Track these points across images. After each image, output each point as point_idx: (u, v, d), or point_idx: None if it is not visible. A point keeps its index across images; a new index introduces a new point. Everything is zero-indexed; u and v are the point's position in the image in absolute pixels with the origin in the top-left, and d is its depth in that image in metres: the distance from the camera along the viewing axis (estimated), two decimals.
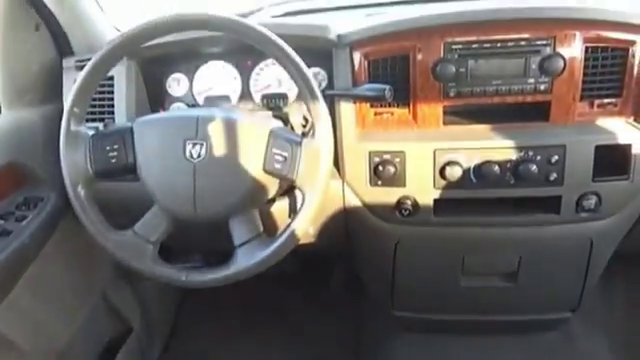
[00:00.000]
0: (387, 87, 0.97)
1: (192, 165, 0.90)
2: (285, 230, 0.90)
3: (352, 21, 1.14)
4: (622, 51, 1.02)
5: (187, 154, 0.90)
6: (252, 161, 0.90)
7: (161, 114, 1.01)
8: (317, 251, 1.40)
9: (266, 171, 0.90)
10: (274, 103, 1.18)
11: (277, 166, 0.89)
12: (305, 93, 0.89)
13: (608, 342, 1.44)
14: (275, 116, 1.11)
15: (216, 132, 0.90)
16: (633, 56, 1.01)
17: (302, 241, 1.24)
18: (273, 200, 1.09)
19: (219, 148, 0.90)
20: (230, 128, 0.90)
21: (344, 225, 1.17)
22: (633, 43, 1.01)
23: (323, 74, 1.16)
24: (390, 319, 1.35)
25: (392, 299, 1.26)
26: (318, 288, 1.68)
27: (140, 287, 1.56)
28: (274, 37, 0.88)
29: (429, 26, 1.03)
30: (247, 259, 0.90)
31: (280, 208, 1.10)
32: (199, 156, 0.90)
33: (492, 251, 1.15)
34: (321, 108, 0.89)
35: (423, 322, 1.33)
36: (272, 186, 0.96)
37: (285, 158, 0.89)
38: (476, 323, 1.30)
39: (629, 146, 1.01)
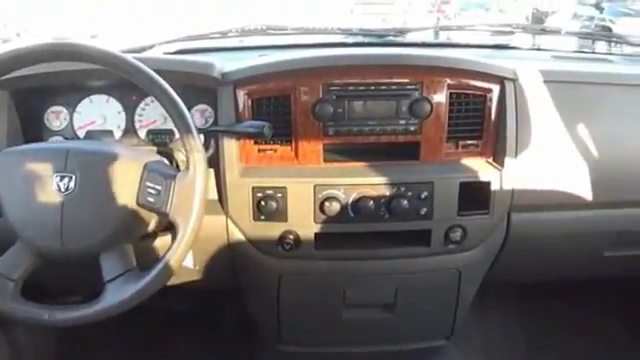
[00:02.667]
0: (266, 124, 1.00)
1: (60, 199, 0.87)
2: (157, 264, 0.89)
3: (242, 61, 1.18)
4: (481, 98, 1.13)
5: (55, 187, 0.87)
6: (125, 195, 0.89)
7: (29, 145, 0.97)
8: (205, 288, 1.38)
9: (139, 205, 0.89)
10: (160, 139, 1.17)
11: (150, 199, 0.89)
12: (179, 126, 0.90)
13: None
14: (160, 152, 1.11)
15: (87, 165, 0.88)
16: (490, 102, 1.13)
17: (187, 278, 1.23)
18: (155, 235, 1.08)
19: (90, 181, 0.88)
20: (102, 161, 0.89)
21: (230, 260, 1.18)
22: (490, 91, 1.12)
23: (210, 111, 1.17)
24: (279, 355, 1.35)
25: (279, 334, 1.26)
26: (210, 327, 1.64)
27: (12, 331, 1.44)
28: (146, 69, 0.88)
29: (308, 68, 1.09)
30: (116, 295, 0.88)
31: (162, 243, 1.08)
32: (67, 189, 0.87)
33: (371, 283, 1.20)
34: (194, 142, 0.90)
35: (310, 356, 1.34)
36: (148, 220, 0.95)
37: (158, 192, 0.88)
38: (359, 355, 1.34)
39: (488, 183, 1.11)
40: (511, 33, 1.66)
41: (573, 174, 1.14)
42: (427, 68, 1.10)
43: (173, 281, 1.22)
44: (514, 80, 1.12)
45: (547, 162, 1.14)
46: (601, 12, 9.05)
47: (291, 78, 1.08)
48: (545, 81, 1.14)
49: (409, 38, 1.67)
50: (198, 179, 0.89)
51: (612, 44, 2.13)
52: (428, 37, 2.03)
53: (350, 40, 1.61)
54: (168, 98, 0.89)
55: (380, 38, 1.58)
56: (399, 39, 1.56)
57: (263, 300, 1.24)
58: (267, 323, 1.28)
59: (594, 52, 1.67)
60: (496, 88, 1.12)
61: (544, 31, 1.55)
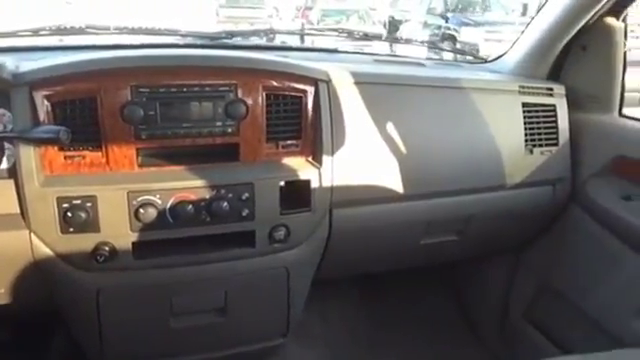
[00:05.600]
0: (62, 129, 0.92)
1: None
2: None
3: (41, 61, 1.09)
4: (298, 99, 1.15)
5: None
6: None
7: None
8: (20, 312, 1.25)
9: None
10: None
11: None
12: None
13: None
14: None
15: None
16: (306, 103, 1.16)
17: None
18: None
19: None
20: None
21: (40, 279, 1.08)
22: (305, 92, 1.16)
23: (9, 116, 1.06)
24: None
25: (103, 353, 1.18)
26: (38, 355, 1.49)
27: None
28: None
29: (114, 68, 1.04)
30: None
31: None
32: None
33: (199, 289, 1.17)
34: None
35: None
36: None
37: None
38: None
39: (308, 181, 1.14)
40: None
41: (386, 170, 1.22)
42: (239, 70, 1.10)
43: None
44: (327, 82, 1.17)
45: (362, 159, 1.20)
46: (446, 22, 9.96)
47: (95, 79, 1.02)
48: (356, 82, 1.20)
49: (250, 41, 1.68)
50: None
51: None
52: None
53: (181, 42, 1.57)
54: None
55: (212, 40, 1.56)
56: (231, 41, 1.56)
57: (82, 318, 1.15)
58: (89, 343, 1.19)
59: (425, 57, 1.81)
60: (311, 89, 1.16)
61: (367, 37, 1.64)
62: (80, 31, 1.43)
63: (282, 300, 1.26)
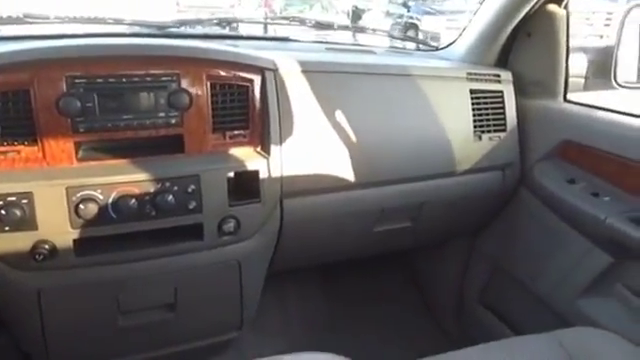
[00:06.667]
0: None
1: None
2: None
3: None
4: (244, 88, 1.13)
5: None
6: None
7: None
8: None
9: None
10: None
11: None
12: None
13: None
14: None
15: None
16: (253, 93, 1.14)
17: None
18: None
19: None
20: None
21: None
22: (252, 81, 1.13)
23: None
24: None
25: (47, 355, 1.14)
26: None
27: None
28: None
29: (47, 59, 0.99)
30: None
31: None
32: None
33: (146, 285, 1.14)
34: None
35: None
36: None
37: None
38: None
39: (257, 172, 1.13)
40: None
41: (336, 158, 1.21)
42: (181, 59, 1.07)
43: None
44: (274, 70, 1.15)
45: (311, 148, 1.19)
46: (408, 10, 10.01)
47: (27, 70, 0.97)
48: (303, 71, 1.19)
49: (199, 30, 1.64)
50: None
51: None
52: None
53: (128, 31, 1.52)
54: None
55: (160, 29, 1.52)
56: (179, 30, 1.52)
57: (24, 321, 1.11)
58: (33, 345, 1.15)
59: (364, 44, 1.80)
60: (257, 78, 1.13)
61: (320, 25, 1.61)
62: (18, 20, 1.37)
63: (235, 294, 1.24)
